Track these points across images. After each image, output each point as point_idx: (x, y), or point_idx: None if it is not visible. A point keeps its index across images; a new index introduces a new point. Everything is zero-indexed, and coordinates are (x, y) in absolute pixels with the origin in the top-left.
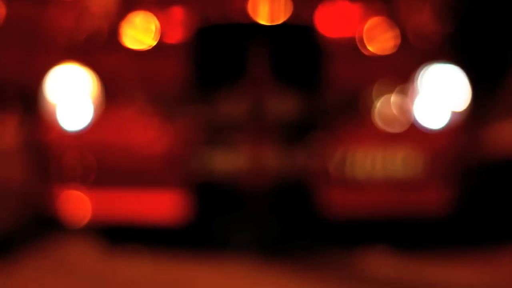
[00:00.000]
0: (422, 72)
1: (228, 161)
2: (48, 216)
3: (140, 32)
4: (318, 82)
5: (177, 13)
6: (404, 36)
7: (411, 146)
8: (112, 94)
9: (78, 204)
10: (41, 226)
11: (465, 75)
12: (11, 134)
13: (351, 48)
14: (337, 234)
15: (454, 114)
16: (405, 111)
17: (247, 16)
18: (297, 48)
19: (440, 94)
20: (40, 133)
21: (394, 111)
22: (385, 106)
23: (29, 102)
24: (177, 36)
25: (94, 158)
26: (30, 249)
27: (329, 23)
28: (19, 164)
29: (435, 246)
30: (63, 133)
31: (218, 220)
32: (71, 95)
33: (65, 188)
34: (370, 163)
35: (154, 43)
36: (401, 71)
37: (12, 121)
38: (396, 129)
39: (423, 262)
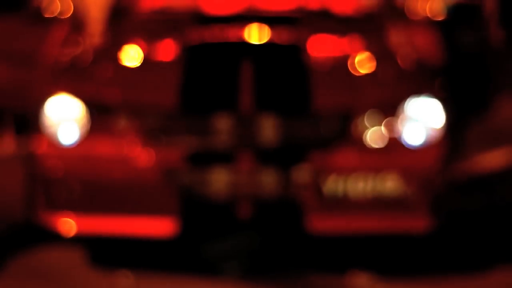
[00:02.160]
0: (409, 99)
1: (217, 184)
2: (34, 228)
3: (127, 52)
4: (307, 103)
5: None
6: (393, 62)
7: (398, 169)
8: (99, 117)
9: (64, 218)
10: (27, 238)
11: (450, 104)
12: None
13: (341, 70)
14: (325, 256)
15: (438, 137)
16: (393, 135)
17: (235, 35)
18: (286, 68)
19: (426, 119)
20: (30, 153)
21: (382, 134)
22: (373, 129)
23: (20, 121)
24: (164, 55)
25: (80, 180)
26: (15, 260)
27: (318, 45)
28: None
29: (423, 267)
30: (50, 155)
31: (206, 243)
32: (57, 120)
33: (52, 205)
34: (358, 184)
35: (140, 63)
36: (389, 95)
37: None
38: (384, 151)
39: (410, 285)
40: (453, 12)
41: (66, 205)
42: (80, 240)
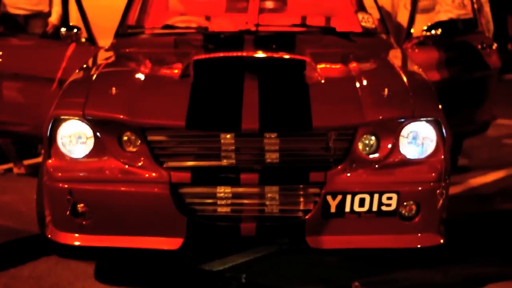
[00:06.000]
0: (411, 116)
1: (221, 201)
2: (44, 241)
3: (134, 69)
4: (309, 121)
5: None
6: (394, 80)
7: (400, 186)
8: (106, 135)
9: (70, 233)
10: (37, 250)
11: (450, 121)
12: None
13: (343, 87)
14: (328, 273)
15: (440, 154)
16: (395, 152)
17: (240, 52)
18: (289, 85)
19: (427, 136)
20: (40, 169)
21: (385, 152)
22: (376, 146)
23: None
24: (170, 73)
25: (87, 196)
26: (23, 272)
27: (321, 62)
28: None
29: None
30: (57, 172)
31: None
32: (66, 138)
33: (59, 220)
34: (361, 202)
35: (146, 80)
36: (391, 112)
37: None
38: (387, 168)
39: None
40: (450, 28)
41: (73, 221)
42: (86, 255)
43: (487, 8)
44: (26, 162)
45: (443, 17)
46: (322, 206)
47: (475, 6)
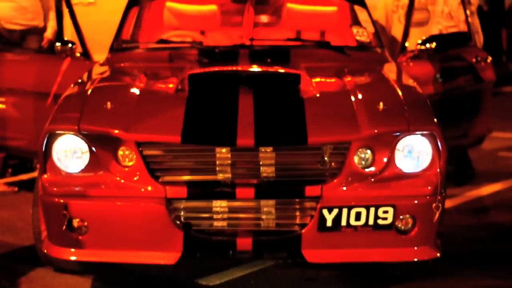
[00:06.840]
0: (406, 129)
1: (217, 216)
2: (39, 255)
3: (129, 83)
4: (304, 134)
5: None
6: (389, 93)
7: (396, 199)
8: (101, 149)
9: (66, 248)
10: (31, 265)
11: (445, 134)
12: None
13: (338, 101)
14: (324, 285)
15: (435, 167)
16: (391, 166)
17: (235, 67)
18: (284, 99)
19: (422, 149)
20: (36, 184)
21: (380, 165)
22: (371, 160)
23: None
24: (165, 87)
25: (83, 211)
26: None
27: (315, 76)
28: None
29: None
30: (53, 186)
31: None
32: (61, 153)
33: (55, 234)
34: (357, 215)
35: (141, 95)
36: (387, 126)
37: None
38: (382, 181)
39: None
40: (444, 41)
41: (69, 236)
42: (83, 269)
43: (475, 20)
44: (22, 177)
45: (434, 29)
46: (318, 220)
47: (469, 19)
